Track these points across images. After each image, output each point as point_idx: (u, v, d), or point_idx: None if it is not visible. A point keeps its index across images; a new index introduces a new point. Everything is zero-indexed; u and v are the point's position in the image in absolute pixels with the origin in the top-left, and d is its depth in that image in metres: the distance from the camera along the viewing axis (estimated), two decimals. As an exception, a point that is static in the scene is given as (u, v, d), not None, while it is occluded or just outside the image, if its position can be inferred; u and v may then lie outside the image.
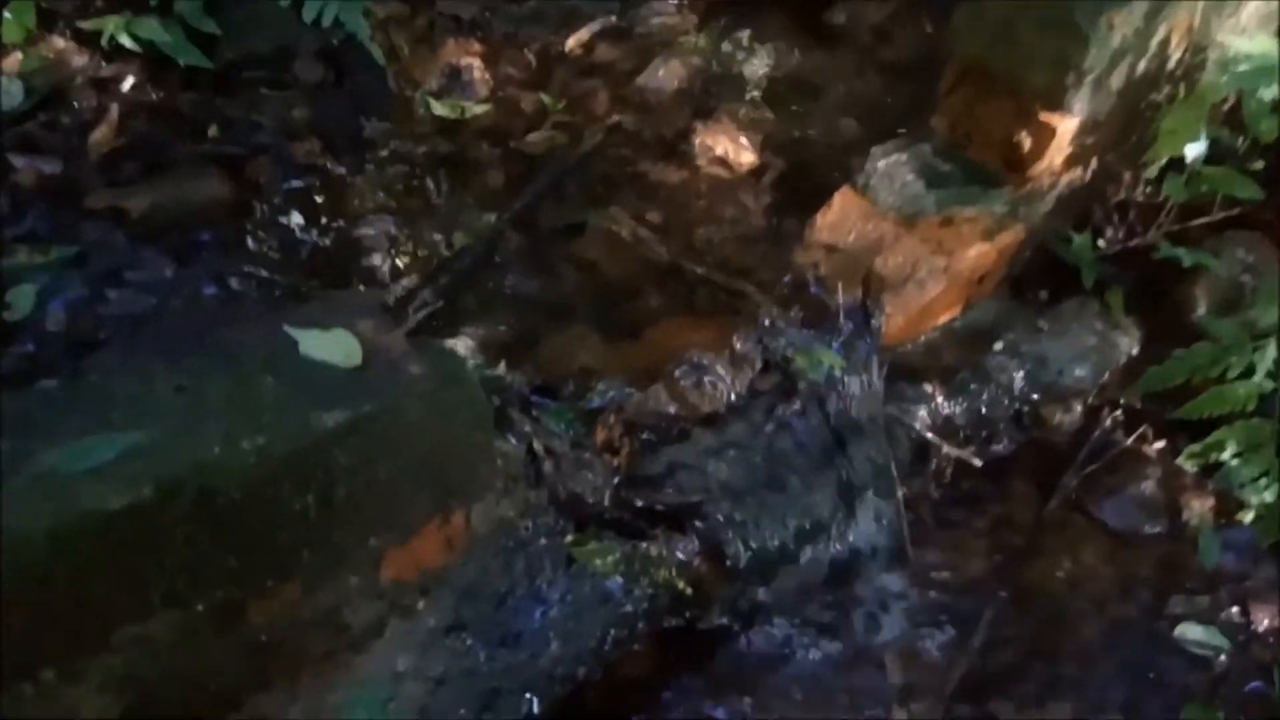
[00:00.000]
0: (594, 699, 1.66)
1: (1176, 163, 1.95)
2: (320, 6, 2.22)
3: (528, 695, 1.56)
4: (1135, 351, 2.07)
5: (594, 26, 2.52)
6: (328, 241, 1.96)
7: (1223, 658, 1.74)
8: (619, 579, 1.61)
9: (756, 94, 2.36)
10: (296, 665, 1.43)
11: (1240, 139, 1.94)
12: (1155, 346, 2.02)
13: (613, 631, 1.60)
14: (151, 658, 1.26)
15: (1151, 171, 2.00)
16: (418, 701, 1.51)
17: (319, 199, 2.03)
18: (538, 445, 1.62)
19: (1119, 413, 2.05)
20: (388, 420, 1.28)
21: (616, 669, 1.68)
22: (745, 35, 2.51)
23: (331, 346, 1.35)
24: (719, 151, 2.19)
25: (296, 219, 1.99)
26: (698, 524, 1.68)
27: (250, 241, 1.94)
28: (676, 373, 1.75)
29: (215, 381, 1.25)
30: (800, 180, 2.16)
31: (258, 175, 2.09)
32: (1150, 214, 2.10)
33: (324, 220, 2.00)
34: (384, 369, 1.32)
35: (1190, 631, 1.78)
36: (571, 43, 2.49)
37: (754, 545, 1.71)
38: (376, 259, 1.91)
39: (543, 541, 1.60)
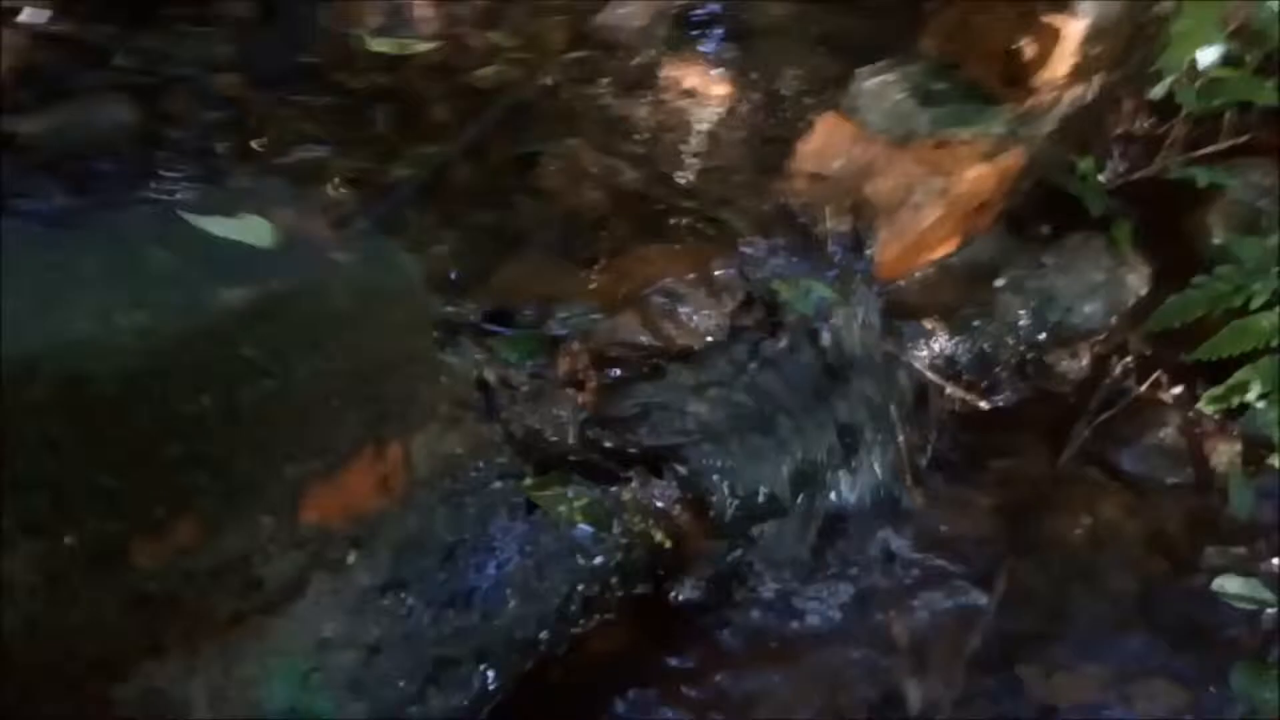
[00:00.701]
0: (560, 675, 1.42)
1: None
2: (248, -63, 2.02)
3: (481, 666, 1.31)
4: (1144, 291, 1.90)
5: (549, -29, 2.33)
6: (249, 170, 1.73)
7: (1269, 611, 1.55)
8: (587, 527, 1.38)
9: (726, 31, 2.18)
10: (197, 627, 1.18)
11: (1249, 54, 1.80)
12: (1166, 285, 1.85)
13: (580, 588, 1.37)
14: (6, 606, 1.00)
15: (1159, 91, 1.85)
16: (348, 673, 1.26)
17: (241, 129, 1.81)
18: (490, 374, 1.40)
19: (1129, 359, 1.88)
20: (306, 305, 1.05)
21: (586, 642, 1.45)
22: (711, -19, 2.35)
23: (239, 228, 1.12)
24: (688, 84, 2.00)
25: (214, 148, 1.76)
26: (677, 468, 1.46)
27: (161, 171, 1.71)
28: (650, 299, 1.54)
29: (92, 254, 1.01)
30: (778, 112, 1.98)
31: (172, 105, 1.86)
32: (1153, 146, 1.96)
33: (245, 150, 1.78)
34: (304, 250, 1.10)
35: (1230, 584, 1.59)
36: (525, -14, 2.31)
37: (740, 493, 1.49)
38: (305, 187, 1.69)
39: (498, 484, 1.37)
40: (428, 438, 1.29)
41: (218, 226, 1.11)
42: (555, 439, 1.42)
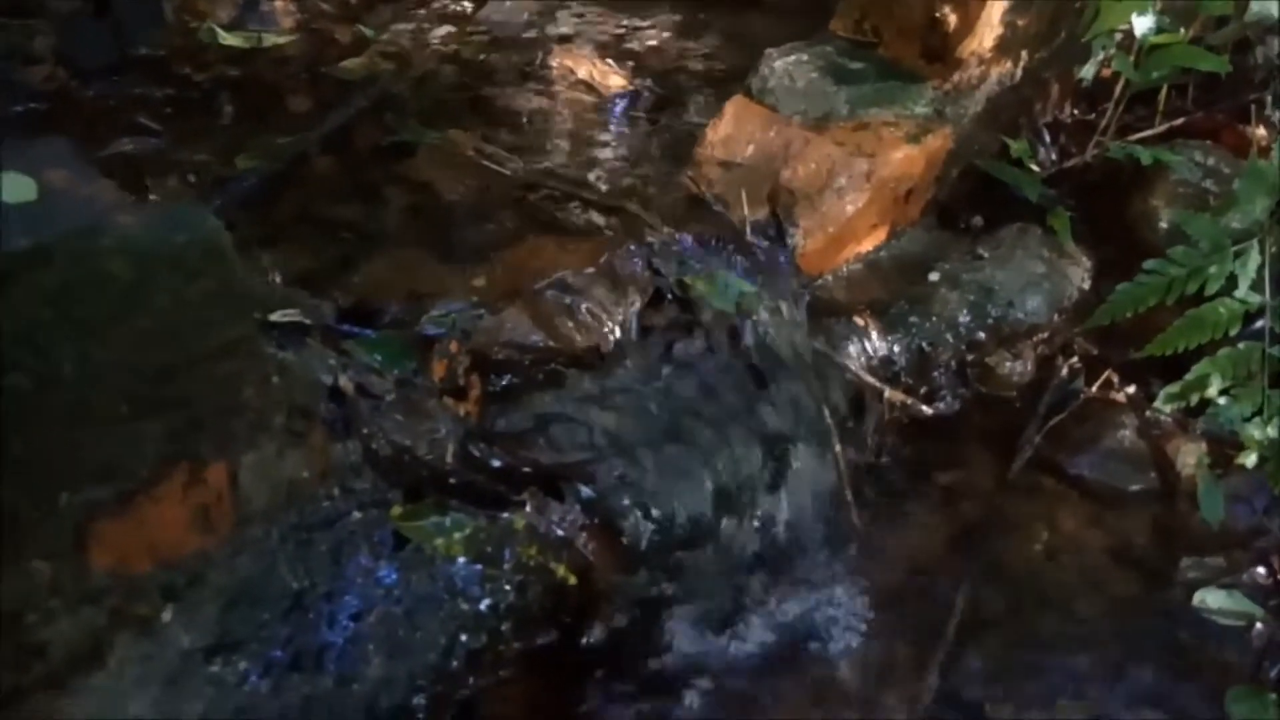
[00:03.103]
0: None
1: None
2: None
3: (338, 744, 1.04)
4: (1086, 286, 1.74)
5: (425, -33, 2.13)
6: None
7: (1258, 627, 1.37)
8: (471, 563, 1.13)
9: (622, 28, 2.00)
10: (-53, 714, 0.89)
11: (1182, 29, 1.68)
12: (1109, 279, 1.70)
13: (464, 638, 1.11)
14: None
15: (1088, 71, 1.72)
16: (161, 763, 0.98)
17: (56, 121, 1.55)
18: (345, 382, 1.15)
19: (1075, 359, 1.72)
20: (64, 271, 0.79)
21: (476, 707, 1.18)
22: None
23: (-4, 186, 0.87)
24: (582, 74, 1.81)
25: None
26: (581, 489, 1.22)
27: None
28: (542, 294, 1.32)
29: None
30: (681, 104, 1.79)
31: (-29, 98, 1.60)
32: (1084, 134, 1.82)
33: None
34: (72, 207, 0.85)
35: (1211, 599, 1.40)
36: (399, -14, 2.10)
37: (656, 516, 1.25)
38: (129, 179, 1.42)
39: (356, 515, 1.11)
40: (261, 458, 1.03)
41: (-37, 182, 0.85)
42: (430, 458, 1.17)
